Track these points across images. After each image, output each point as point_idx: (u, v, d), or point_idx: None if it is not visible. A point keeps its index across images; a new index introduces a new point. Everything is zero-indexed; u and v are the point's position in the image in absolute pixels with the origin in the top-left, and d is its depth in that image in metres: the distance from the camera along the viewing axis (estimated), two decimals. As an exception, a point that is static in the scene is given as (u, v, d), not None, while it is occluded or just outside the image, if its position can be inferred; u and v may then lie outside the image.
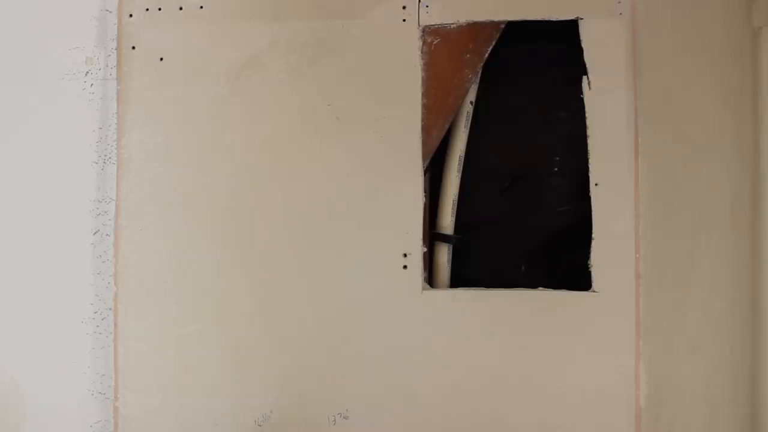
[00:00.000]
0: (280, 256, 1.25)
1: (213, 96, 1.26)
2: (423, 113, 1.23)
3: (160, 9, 1.28)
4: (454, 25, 1.23)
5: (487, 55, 1.25)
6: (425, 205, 1.24)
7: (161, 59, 1.27)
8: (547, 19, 1.22)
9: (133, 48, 1.28)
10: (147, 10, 1.28)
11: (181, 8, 1.28)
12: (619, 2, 1.20)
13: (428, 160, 1.24)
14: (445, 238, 1.30)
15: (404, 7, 1.24)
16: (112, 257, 1.27)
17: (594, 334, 1.20)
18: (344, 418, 1.23)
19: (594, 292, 1.20)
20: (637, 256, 1.19)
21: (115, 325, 1.27)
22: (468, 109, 1.28)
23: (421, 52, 1.24)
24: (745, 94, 1.19)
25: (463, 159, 1.30)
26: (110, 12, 1.28)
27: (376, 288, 1.23)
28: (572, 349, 1.21)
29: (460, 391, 1.22)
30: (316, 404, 1.24)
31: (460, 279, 1.32)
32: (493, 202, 1.35)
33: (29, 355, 1.29)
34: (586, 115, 1.21)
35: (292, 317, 1.25)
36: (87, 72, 1.28)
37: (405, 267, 1.23)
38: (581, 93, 1.21)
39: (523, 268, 1.34)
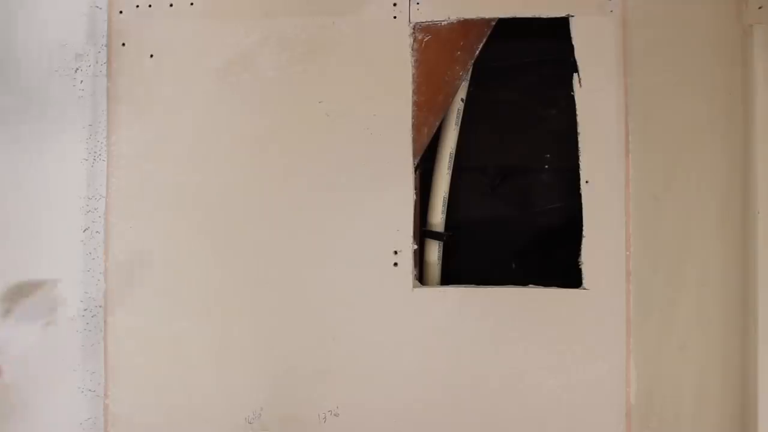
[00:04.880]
0: (271, 253, 1.25)
1: (203, 93, 1.26)
2: (414, 110, 1.23)
3: (150, 6, 1.27)
4: (445, 22, 1.23)
5: (477, 52, 1.25)
6: (416, 202, 1.23)
7: (151, 56, 1.27)
8: (538, 16, 1.21)
9: (123, 45, 1.27)
10: (137, 6, 1.28)
11: (171, 5, 1.28)
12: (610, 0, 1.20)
13: (419, 158, 1.24)
14: (435, 236, 1.30)
15: (395, 4, 1.24)
16: (102, 254, 1.27)
17: (584, 332, 1.20)
18: (335, 415, 1.24)
19: (584, 289, 1.20)
20: (628, 253, 1.19)
21: (105, 322, 1.27)
22: (459, 106, 1.28)
23: (412, 49, 1.23)
24: (735, 92, 1.19)
25: (453, 156, 1.30)
26: (100, 8, 1.28)
27: (366, 285, 1.23)
28: (563, 346, 1.21)
29: (451, 389, 1.22)
30: (307, 402, 1.24)
31: (450, 276, 1.32)
32: (483, 200, 1.36)
33: (18, 353, 1.28)
34: (577, 112, 1.21)
35: (283, 315, 1.25)
36: (77, 69, 1.28)
37: (395, 264, 1.23)
38: (572, 91, 1.21)
39: (513, 265, 1.34)
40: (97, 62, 1.27)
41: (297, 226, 1.24)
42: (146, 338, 1.27)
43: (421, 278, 1.29)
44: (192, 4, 1.27)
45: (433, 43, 1.23)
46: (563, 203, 1.31)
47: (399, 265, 1.22)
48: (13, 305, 1.26)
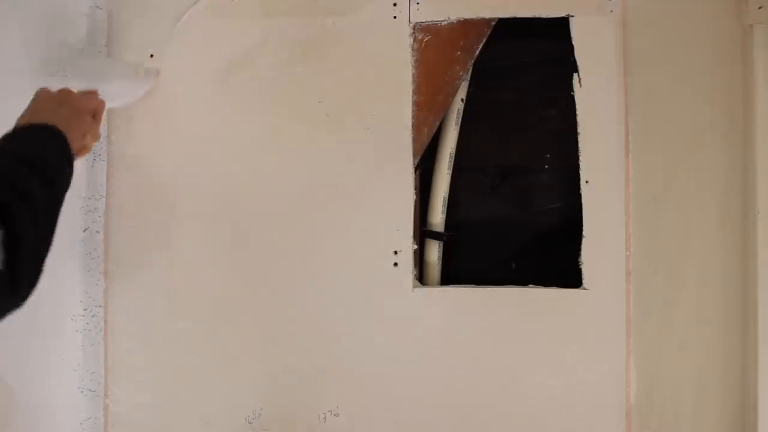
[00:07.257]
0: (271, 253, 1.25)
1: (203, 93, 1.26)
2: (414, 110, 1.23)
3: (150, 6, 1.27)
4: (445, 22, 1.23)
5: (477, 52, 1.25)
6: (416, 202, 1.23)
7: (151, 56, 1.27)
8: (538, 16, 1.21)
9: (123, 44, 1.27)
10: (137, 6, 1.27)
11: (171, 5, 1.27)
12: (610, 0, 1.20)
13: (419, 158, 1.24)
14: (435, 236, 1.30)
15: (395, 4, 1.23)
16: (102, 254, 1.27)
17: (584, 332, 1.20)
18: (335, 415, 1.23)
19: (584, 289, 1.20)
20: (628, 253, 1.19)
21: (105, 322, 1.27)
22: (458, 106, 1.28)
23: (412, 49, 1.23)
24: (735, 92, 1.19)
25: (453, 156, 1.30)
26: (100, 8, 1.27)
27: (366, 285, 1.23)
28: (563, 346, 1.21)
29: (451, 388, 1.22)
30: (307, 402, 1.24)
31: (450, 276, 1.32)
32: (483, 200, 1.36)
33: (19, 352, 1.28)
34: (577, 112, 1.21)
35: (283, 315, 1.24)
36: (77, 68, 1.28)
37: (395, 264, 1.23)
38: (572, 91, 1.21)
39: (513, 265, 1.34)
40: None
41: (296, 226, 1.24)
42: (146, 338, 1.27)
43: (421, 278, 1.29)
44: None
45: (433, 43, 1.23)
46: (563, 203, 1.31)
47: (399, 265, 1.22)
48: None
